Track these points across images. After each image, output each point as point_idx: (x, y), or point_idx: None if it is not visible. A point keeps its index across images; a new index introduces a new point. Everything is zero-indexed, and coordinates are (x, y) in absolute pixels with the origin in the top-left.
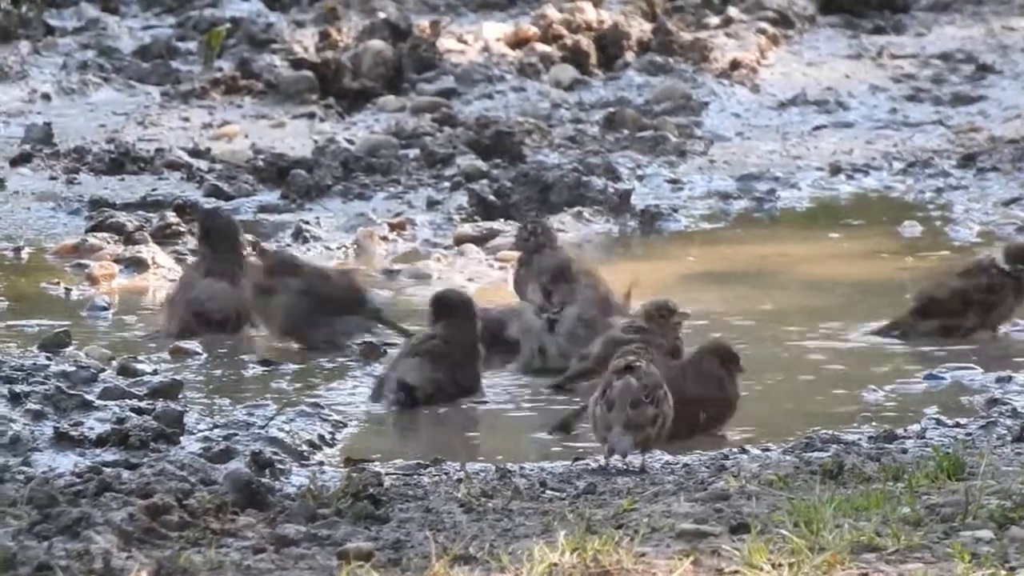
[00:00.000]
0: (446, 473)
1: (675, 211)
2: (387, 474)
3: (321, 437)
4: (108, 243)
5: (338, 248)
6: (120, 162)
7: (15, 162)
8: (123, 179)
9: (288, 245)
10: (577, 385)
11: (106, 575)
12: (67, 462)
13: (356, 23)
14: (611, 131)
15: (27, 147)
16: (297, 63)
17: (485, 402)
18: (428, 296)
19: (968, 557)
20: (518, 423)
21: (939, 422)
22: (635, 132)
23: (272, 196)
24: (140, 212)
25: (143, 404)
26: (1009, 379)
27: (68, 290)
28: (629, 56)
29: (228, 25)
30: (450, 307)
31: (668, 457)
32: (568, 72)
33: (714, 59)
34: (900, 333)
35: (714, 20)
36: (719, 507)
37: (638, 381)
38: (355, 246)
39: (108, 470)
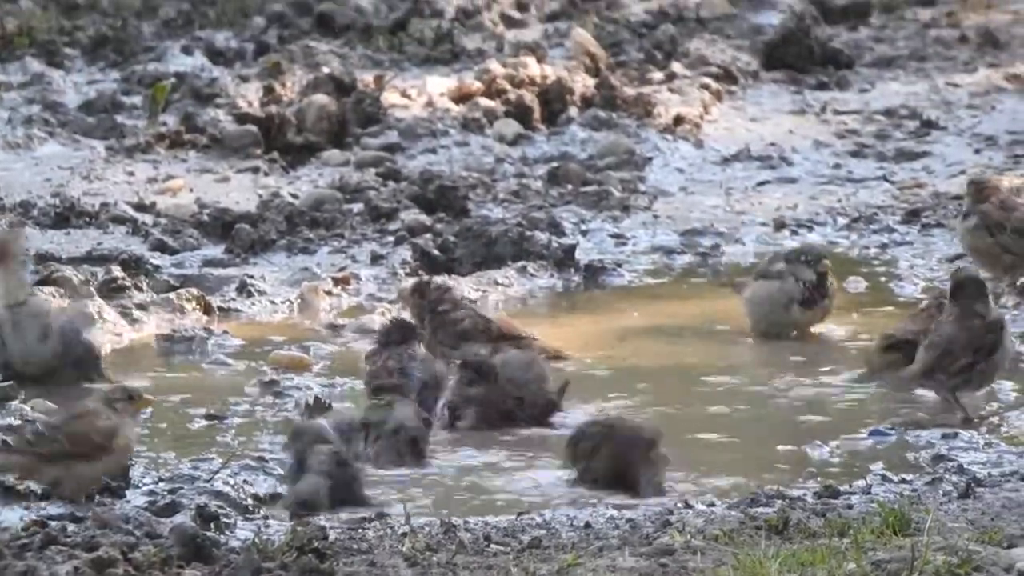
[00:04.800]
0: (391, 527)
1: (619, 266)
2: (332, 528)
3: (266, 491)
4: (54, 297)
5: (283, 302)
6: (65, 216)
7: None
8: (69, 233)
9: (232, 299)
10: None
11: None
12: (13, 516)
13: (300, 78)
14: (555, 186)
15: None
16: (241, 118)
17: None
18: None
19: None
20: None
21: (885, 478)
22: (579, 187)
23: (217, 250)
24: (86, 266)
25: None
26: (955, 435)
27: None
28: (573, 111)
29: (173, 80)
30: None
31: (613, 512)
32: (512, 127)
33: (658, 114)
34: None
35: (658, 75)
36: (664, 562)
37: None
38: (299, 300)
39: (53, 523)
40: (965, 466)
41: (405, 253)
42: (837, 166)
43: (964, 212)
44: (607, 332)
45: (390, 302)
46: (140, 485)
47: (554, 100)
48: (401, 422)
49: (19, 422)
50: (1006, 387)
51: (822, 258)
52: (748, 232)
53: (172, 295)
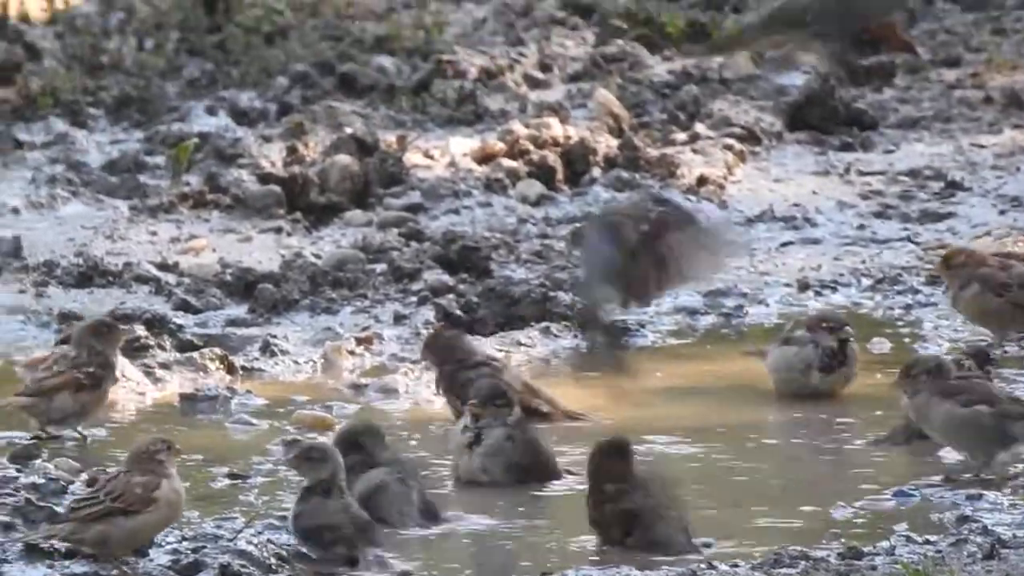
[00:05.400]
0: None
1: (642, 327)
2: None
3: (289, 550)
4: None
5: (306, 362)
6: (89, 276)
7: None
8: (92, 292)
9: (256, 359)
10: None
11: None
12: (37, 574)
13: (323, 138)
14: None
15: None
16: (264, 178)
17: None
18: (397, 410)
19: None
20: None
21: (909, 539)
22: None
23: (240, 310)
24: None
25: None
26: (979, 496)
27: None
28: (596, 172)
29: (196, 140)
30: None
31: (636, 572)
32: (535, 187)
33: (681, 175)
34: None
35: (681, 136)
36: None
37: None
38: (322, 360)
39: None
40: (990, 527)
41: (428, 313)
42: (861, 227)
43: (959, 284)
44: (630, 393)
45: (413, 362)
46: (163, 544)
47: (577, 161)
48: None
49: (43, 480)
50: None
51: (844, 325)
52: (772, 293)
53: (195, 354)
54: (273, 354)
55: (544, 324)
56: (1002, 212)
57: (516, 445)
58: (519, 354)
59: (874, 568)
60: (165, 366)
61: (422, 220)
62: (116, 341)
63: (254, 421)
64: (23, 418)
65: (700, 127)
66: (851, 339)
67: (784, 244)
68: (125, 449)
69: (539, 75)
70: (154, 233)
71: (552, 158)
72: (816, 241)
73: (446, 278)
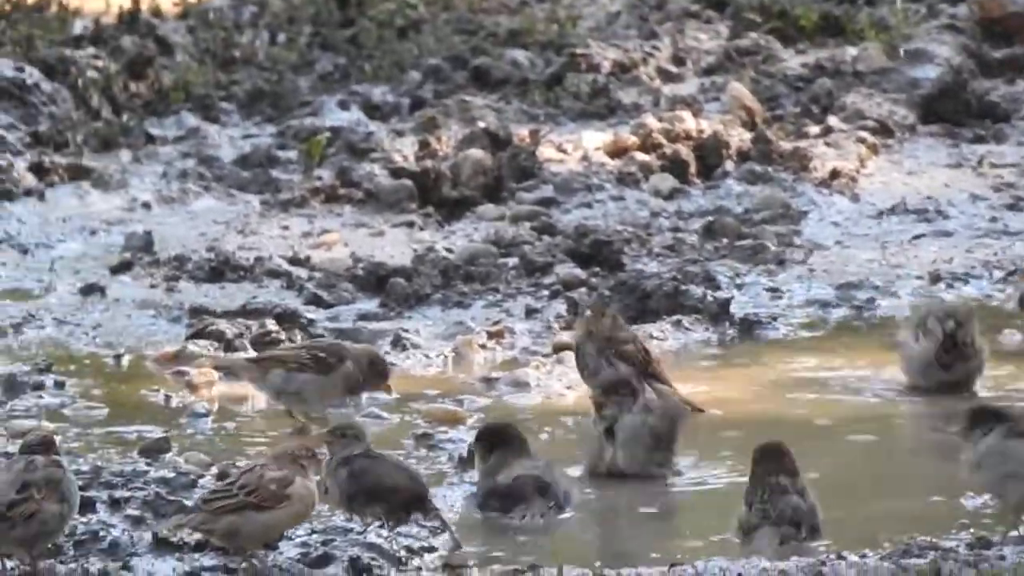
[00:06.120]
0: None
1: (774, 319)
2: None
3: (419, 543)
4: (208, 351)
5: (437, 356)
6: (220, 270)
7: (116, 270)
8: (223, 287)
9: (387, 352)
10: None
11: None
12: (166, 567)
13: (455, 132)
14: (710, 240)
15: (128, 255)
16: (396, 172)
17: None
18: (528, 404)
19: None
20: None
21: None
22: (734, 241)
23: (371, 304)
24: (240, 320)
25: None
26: None
27: (168, 397)
28: (729, 165)
29: (328, 134)
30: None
31: (765, 563)
32: (667, 181)
33: (814, 168)
34: None
35: (814, 129)
36: None
37: None
38: (454, 354)
39: (206, 575)
40: None
41: (560, 307)
42: (993, 219)
43: None
44: (763, 385)
45: (544, 355)
46: (293, 537)
47: (710, 154)
48: None
49: (172, 474)
50: None
51: (950, 317)
52: (904, 285)
53: None
54: (404, 348)
55: (676, 317)
56: None
57: (649, 427)
58: (651, 347)
59: (1003, 558)
60: None
61: (554, 214)
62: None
63: (384, 415)
64: (151, 412)
65: (833, 120)
66: (961, 329)
67: (916, 236)
68: (253, 443)
69: (672, 68)
70: (286, 227)
71: (685, 152)
72: (948, 233)
73: (578, 272)
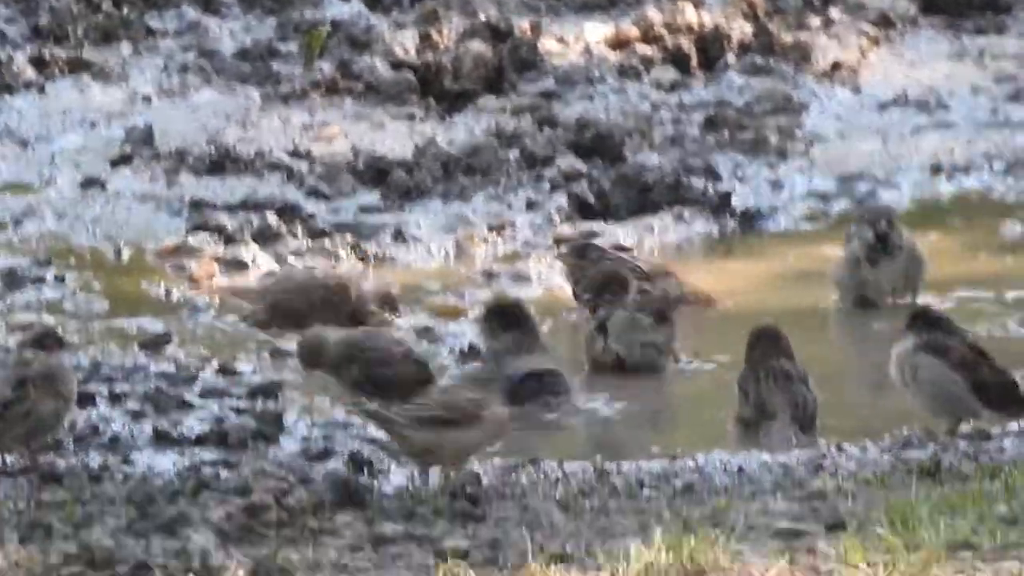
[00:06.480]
0: (544, 473)
1: (775, 211)
2: (485, 473)
3: None
4: (208, 244)
5: (438, 249)
6: (220, 163)
7: (116, 163)
8: (224, 180)
9: (388, 246)
10: None
11: (204, 573)
12: (166, 461)
13: (456, 25)
14: (711, 132)
15: (128, 148)
16: (397, 65)
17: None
18: (529, 297)
19: None
20: (609, 420)
21: None
22: (735, 133)
23: (372, 197)
24: (241, 213)
25: (242, 404)
26: None
27: (168, 290)
28: (730, 58)
29: (328, 26)
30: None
31: (766, 456)
32: (669, 73)
33: (815, 60)
34: None
35: (815, 21)
36: (816, 506)
37: None
38: (455, 247)
39: (207, 469)
40: None
41: (561, 200)
42: (994, 111)
43: None
44: (763, 277)
45: (545, 248)
46: (293, 431)
47: (711, 46)
48: None
49: (173, 368)
50: None
51: (880, 217)
52: (905, 177)
53: (327, 242)
54: (405, 241)
55: (677, 210)
56: None
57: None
58: (651, 240)
59: (1003, 450)
60: (297, 253)
61: (555, 106)
62: None
63: None
64: (152, 306)
65: (835, 12)
66: (892, 229)
67: (917, 128)
68: (253, 337)
69: None
70: (286, 120)
71: (686, 44)
72: (949, 125)
73: (579, 164)
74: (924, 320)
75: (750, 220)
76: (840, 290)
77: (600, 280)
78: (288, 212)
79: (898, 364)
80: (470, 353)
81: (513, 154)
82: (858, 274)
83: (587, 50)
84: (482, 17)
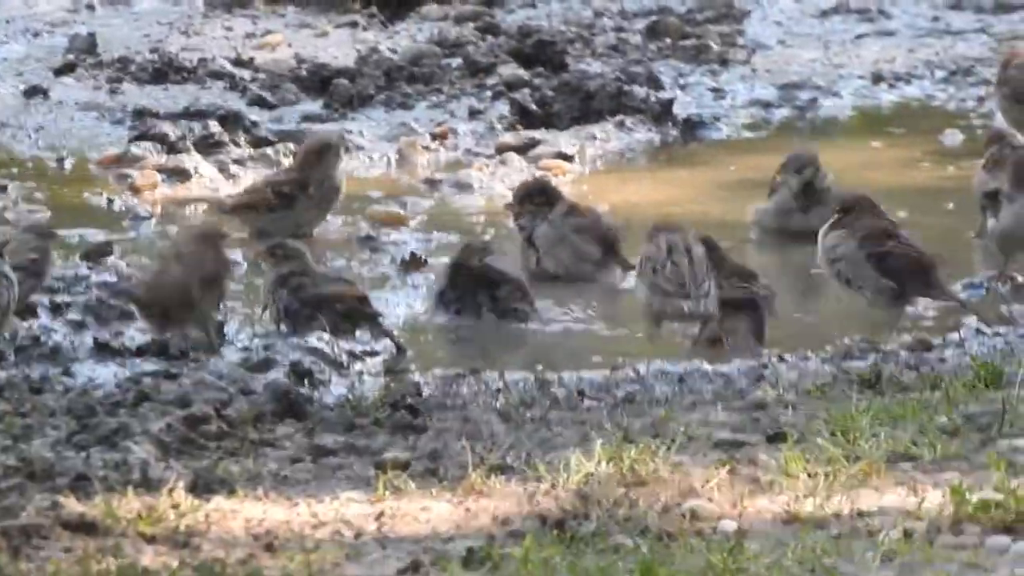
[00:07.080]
0: (485, 383)
1: (717, 120)
2: (425, 384)
3: (361, 347)
4: (151, 153)
5: (380, 157)
6: (163, 72)
7: (59, 72)
8: (166, 89)
9: None
10: None
11: (144, 485)
12: (107, 372)
13: None
14: (653, 40)
15: (71, 57)
16: None
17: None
18: (471, 205)
19: (1004, 466)
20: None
21: (978, 331)
22: (677, 41)
23: (315, 106)
24: (183, 122)
25: None
26: None
27: (111, 200)
28: None
29: None
30: None
31: (707, 366)
32: None
33: None
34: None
35: None
36: (756, 416)
37: None
38: (397, 155)
39: (147, 380)
40: None
41: (503, 108)
42: (936, 19)
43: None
44: (704, 185)
45: (488, 157)
46: (234, 342)
47: None
48: None
49: (115, 279)
50: None
51: (806, 165)
52: (846, 85)
53: (269, 150)
54: (347, 150)
55: (619, 118)
56: None
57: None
58: (593, 148)
59: (944, 361)
60: (239, 162)
61: (498, 14)
62: None
63: (328, 217)
64: (94, 215)
65: None
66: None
67: (859, 36)
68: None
69: None
70: (229, 28)
71: None
72: (890, 33)
73: (521, 72)
74: (851, 205)
75: (692, 128)
76: (765, 234)
77: (523, 190)
78: (231, 121)
79: (821, 251)
80: (412, 262)
81: (456, 62)
82: (788, 222)
83: None
84: None
